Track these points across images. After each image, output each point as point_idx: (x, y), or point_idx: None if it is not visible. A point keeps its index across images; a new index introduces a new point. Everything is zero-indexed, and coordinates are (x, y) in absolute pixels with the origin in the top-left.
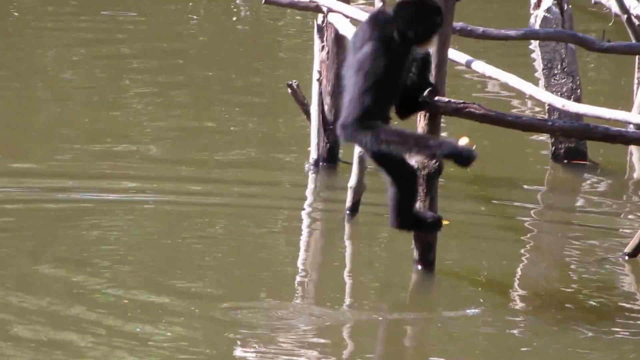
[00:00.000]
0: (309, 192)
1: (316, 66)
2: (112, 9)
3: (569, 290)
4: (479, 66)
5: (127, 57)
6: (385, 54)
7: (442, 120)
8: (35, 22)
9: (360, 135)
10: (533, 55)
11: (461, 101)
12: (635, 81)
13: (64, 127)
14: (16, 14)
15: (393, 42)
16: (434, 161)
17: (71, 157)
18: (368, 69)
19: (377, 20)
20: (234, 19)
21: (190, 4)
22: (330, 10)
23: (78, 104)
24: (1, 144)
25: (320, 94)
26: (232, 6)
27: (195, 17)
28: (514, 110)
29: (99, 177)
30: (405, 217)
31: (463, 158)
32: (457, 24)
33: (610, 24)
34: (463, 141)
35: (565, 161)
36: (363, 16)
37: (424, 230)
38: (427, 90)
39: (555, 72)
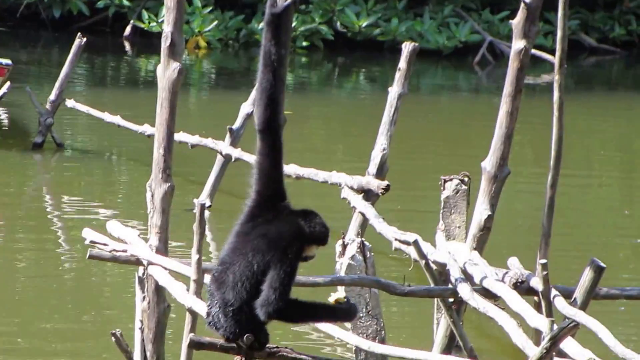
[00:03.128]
0: None
1: (138, 315)
2: None
3: None
4: None
5: None
6: None
7: None
8: None
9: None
10: None
11: (274, 345)
12: (435, 322)
13: None
14: None
15: None
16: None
17: None
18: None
19: None
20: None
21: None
22: (150, 263)
23: None
24: None
25: (143, 341)
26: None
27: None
28: (324, 353)
29: None
30: None
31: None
32: None
33: (410, 269)
34: (336, 296)
35: None
36: (181, 268)
37: None
38: (246, 336)
39: (361, 315)
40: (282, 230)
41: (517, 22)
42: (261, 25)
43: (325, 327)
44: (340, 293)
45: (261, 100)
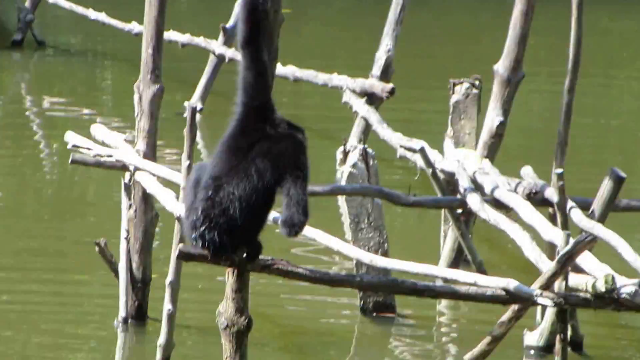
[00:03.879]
0: (118, 349)
1: (124, 225)
2: None
3: None
4: None
5: None
6: None
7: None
8: None
9: None
10: (341, 210)
11: (269, 257)
12: (442, 234)
13: None
14: None
15: None
16: (243, 317)
17: None
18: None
19: None
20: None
21: None
22: (137, 169)
23: None
24: None
25: (129, 252)
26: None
27: None
28: (322, 266)
29: None
30: None
31: None
32: None
33: (416, 178)
34: None
35: (374, 314)
36: (171, 175)
37: None
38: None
39: (362, 226)
40: (286, 147)
41: None
42: None
43: (324, 238)
44: None
45: (242, 14)
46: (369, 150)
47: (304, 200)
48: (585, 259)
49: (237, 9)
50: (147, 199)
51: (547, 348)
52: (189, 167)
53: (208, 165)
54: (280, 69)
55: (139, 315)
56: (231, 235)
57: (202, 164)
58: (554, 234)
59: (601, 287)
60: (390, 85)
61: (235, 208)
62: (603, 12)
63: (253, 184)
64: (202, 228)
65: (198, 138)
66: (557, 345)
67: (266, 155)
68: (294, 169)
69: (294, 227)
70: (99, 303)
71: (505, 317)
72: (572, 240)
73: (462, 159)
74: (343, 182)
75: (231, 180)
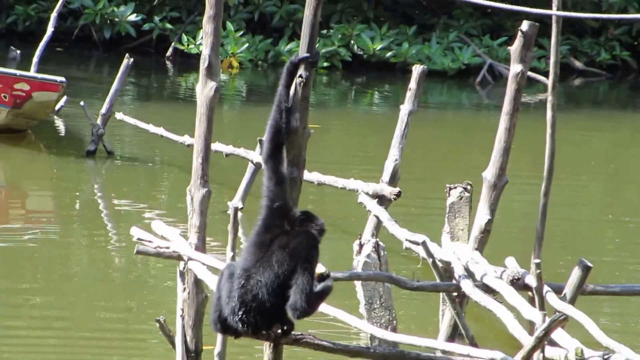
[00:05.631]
0: None
1: (179, 304)
2: None
3: None
4: None
5: None
6: None
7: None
8: None
9: None
10: (358, 295)
11: (299, 333)
12: (440, 313)
13: None
14: None
15: None
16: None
17: None
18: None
19: None
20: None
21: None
22: (190, 258)
23: None
24: None
25: (183, 327)
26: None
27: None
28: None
29: None
30: None
31: None
32: None
33: (419, 266)
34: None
35: None
36: (218, 264)
37: None
38: (275, 325)
39: (375, 306)
40: (300, 241)
41: (514, 48)
42: (288, 47)
43: (344, 316)
44: (321, 268)
45: (268, 135)
46: (380, 243)
47: (307, 289)
48: (559, 334)
49: (266, 130)
50: (198, 283)
51: None
52: (233, 257)
53: (240, 260)
54: (307, 175)
55: None
56: (263, 315)
57: (231, 263)
58: (533, 314)
59: (572, 358)
60: (397, 189)
61: (262, 293)
62: (572, 128)
63: (274, 272)
64: (240, 313)
65: (240, 232)
66: None
67: (284, 248)
68: (304, 261)
69: (296, 311)
70: None
71: None
72: (547, 319)
73: (457, 251)
74: (359, 270)
75: (258, 270)
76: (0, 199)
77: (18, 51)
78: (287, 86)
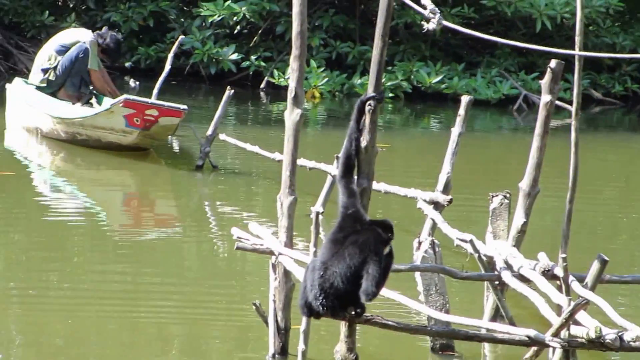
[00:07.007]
0: None
1: (271, 291)
2: None
3: None
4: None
5: None
6: None
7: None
8: None
9: None
10: (417, 287)
11: (370, 314)
12: (485, 298)
13: None
14: None
15: None
16: (352, 354)
17: None
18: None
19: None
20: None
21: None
22: (280, 253)
23: None
24: None
25: (275, 309)
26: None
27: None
28: (404, 319)
29: None
30: None
31: None
32: None
33: (467, 260)
34: None
35: (440, 352)
36: (303, 257)
37: None
38: (350, 308)
39: (431, 293)
40: (367, 238)
41: (545, 81)
42: (359, 80)
43: (407, 301)
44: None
45: (341, 159)
46: (436, 241)
47: (377, 277)
48: (582, 315)
49: (340, 155)
50: (287, 274)
51: None
52: (315, 253)
53: (320, 255)
54: (375, 185)
55: (283, 352)
56: (339, 300)
57: (314, 259)
58: (560, 299)
59: (592, 334)
60: (449, 197)
61: (338, 282)
62: (591, 149)
63: (347, 263)
64: (321, 298)
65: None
66: None
67: (355, 244)
68: (373, 254)
69: (368, 296)
70: (256, 345)
71: (528, 354)
72: (572, 303)
73: (498, 247)
74: (418, 263)
75: (334, 263)
76: (135, 205)
77: (137, 82)
78: (357, 121)
